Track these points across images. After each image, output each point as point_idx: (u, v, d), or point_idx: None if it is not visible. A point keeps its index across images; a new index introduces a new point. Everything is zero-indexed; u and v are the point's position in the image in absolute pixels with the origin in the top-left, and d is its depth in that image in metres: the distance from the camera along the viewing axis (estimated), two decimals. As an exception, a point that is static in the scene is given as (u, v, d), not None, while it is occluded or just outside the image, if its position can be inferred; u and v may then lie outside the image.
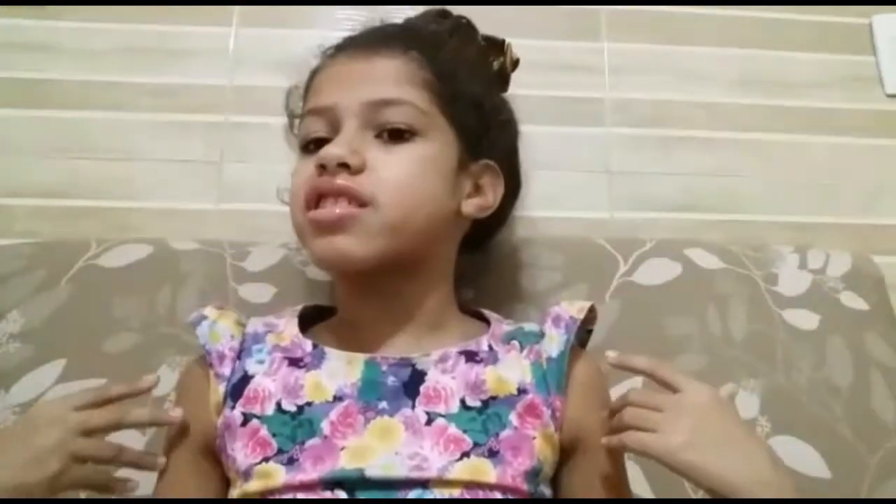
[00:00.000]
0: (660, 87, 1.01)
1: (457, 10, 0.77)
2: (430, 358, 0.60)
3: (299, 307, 0.68)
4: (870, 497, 0.72)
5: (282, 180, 0.77)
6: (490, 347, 0.63)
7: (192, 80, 0.96)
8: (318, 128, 0.63)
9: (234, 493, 0.57)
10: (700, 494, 0.71)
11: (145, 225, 0.90)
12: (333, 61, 0.67)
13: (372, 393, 0.58)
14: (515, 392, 0.60)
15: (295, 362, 0.61)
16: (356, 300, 0.65)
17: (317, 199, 0.60)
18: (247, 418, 0.58)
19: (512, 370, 0.61)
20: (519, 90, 0.77)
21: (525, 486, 0.56)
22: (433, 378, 0.59)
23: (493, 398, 0.59)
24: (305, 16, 0.99)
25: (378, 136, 0.61)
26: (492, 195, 0.67)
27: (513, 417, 0.58)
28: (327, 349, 0.61)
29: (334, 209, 0.58)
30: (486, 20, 0.77)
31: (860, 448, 0.74)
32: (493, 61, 0.76)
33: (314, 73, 0.68)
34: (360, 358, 0.60)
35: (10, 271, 0.78)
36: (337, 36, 0.71)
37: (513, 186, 0.72)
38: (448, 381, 0.59)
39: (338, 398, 0.58)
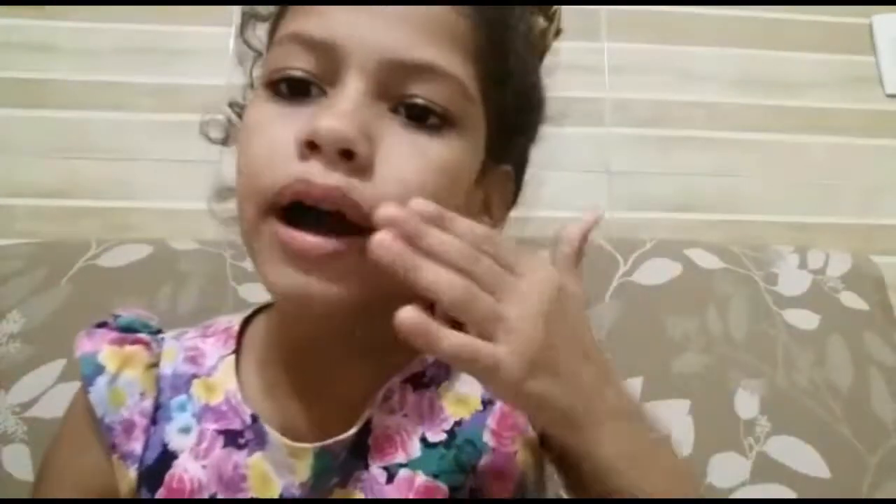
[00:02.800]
0: (660, 87, 1.01)
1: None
2: (375, 403, 0.47)
3: (236, 324, 0.51)
4: (870, 497, 0.72)
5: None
6: (435, 361, 0.49)
7: (192, 80, 0.96)
8: (300, 63, 0.41)
9: None
10: (700, 494, 0.71)
11: (145, 225, 0.90)
12: None
13: (326, 480, 0.45)
14: (481, 406, 0.48)
15: (232, 438, 0.46)
16: (302, 334, 0.47)
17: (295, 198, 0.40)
18: None
19: (469, 381, 0.48)
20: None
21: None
22: (379, 424, 0.46)
23: (458, 423, 0.47)
24: (305, 16, 0.99)
25: (394, 109, 0.41)
26: (498, 212, 0.51)
27: (487, 438, 0.47)
28: (268, 431, 0.46)
29: (317, 240, 0.39)
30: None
31: (860, 448, 0.74)
32: (536, 26, 0.54)
33: None
34: (308, 450, 0.45)
35: (10, 271, 0.78)
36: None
37: (516, 193, 0.54)
38: (399, 421, 0.47)
39: (285, 496, 0.45)
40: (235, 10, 0.99)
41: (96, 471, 0.46)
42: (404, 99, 0.41)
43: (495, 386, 0.36)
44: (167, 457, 0.46)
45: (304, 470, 0.45)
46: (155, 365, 0.48)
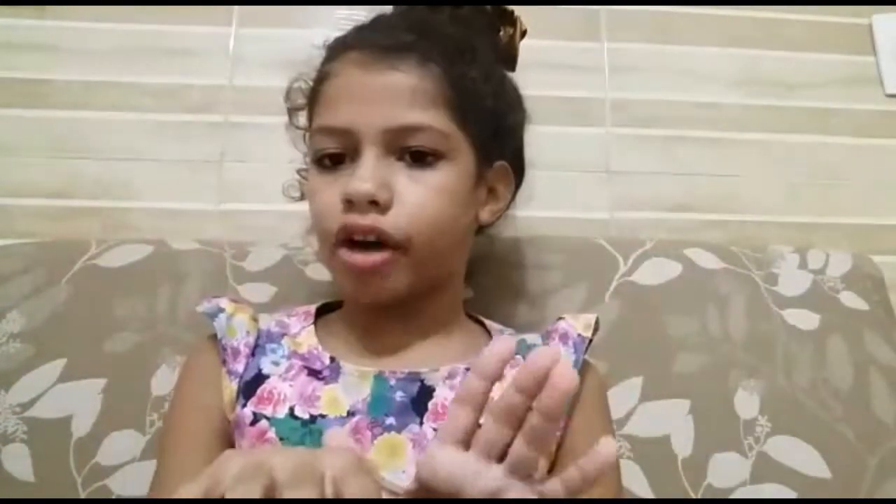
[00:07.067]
0: (660, 87, 1.01)
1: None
2: (439, 374, 0.60)
3: (312, 308, 0.67)
4: (870, 497, 0.72)
5: (282, 180, 0.77)
6: None
7: (192, 80, 0.96)
8: (332, 144, 0.61)
9: None
10: (700, 494, 0.71)
11: (145, 225, 0.90)
12: (345, 70, 0.61)
13: (380, 408, 0.58)
14: None
15: (314, 373, 0.60)
16: (370, 315, 0.64)
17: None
18: (256, 418, 0.57)
19: None
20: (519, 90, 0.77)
21: None
22: (441, 395, 0.59)
23: None
24: (305, 16, 0.99)
25: (400, 158, 0.59)
26: (504, 199, 0.67)
27: None
28: (343, 363, 0.61)
29: (369, 257, 0.57)
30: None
31: (860, 448, 0.74)
32: (501, 33, 0.71)
33: (324, 78, 0.63)
34: (370, 372, 0.60)
35: (10, 271, 0.78)
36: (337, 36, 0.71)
37: (519, 176, 0.70)
38: None
39: (351, 413, 0.57)
40: (235, 10, 0.99)
41: (213, 400, 0.59)
42: (405, 149, 0.59)
43: None
44: (261, 377, 0.60)
45: (366, 389, 0.59)
46: (256, 320, 0.64)
